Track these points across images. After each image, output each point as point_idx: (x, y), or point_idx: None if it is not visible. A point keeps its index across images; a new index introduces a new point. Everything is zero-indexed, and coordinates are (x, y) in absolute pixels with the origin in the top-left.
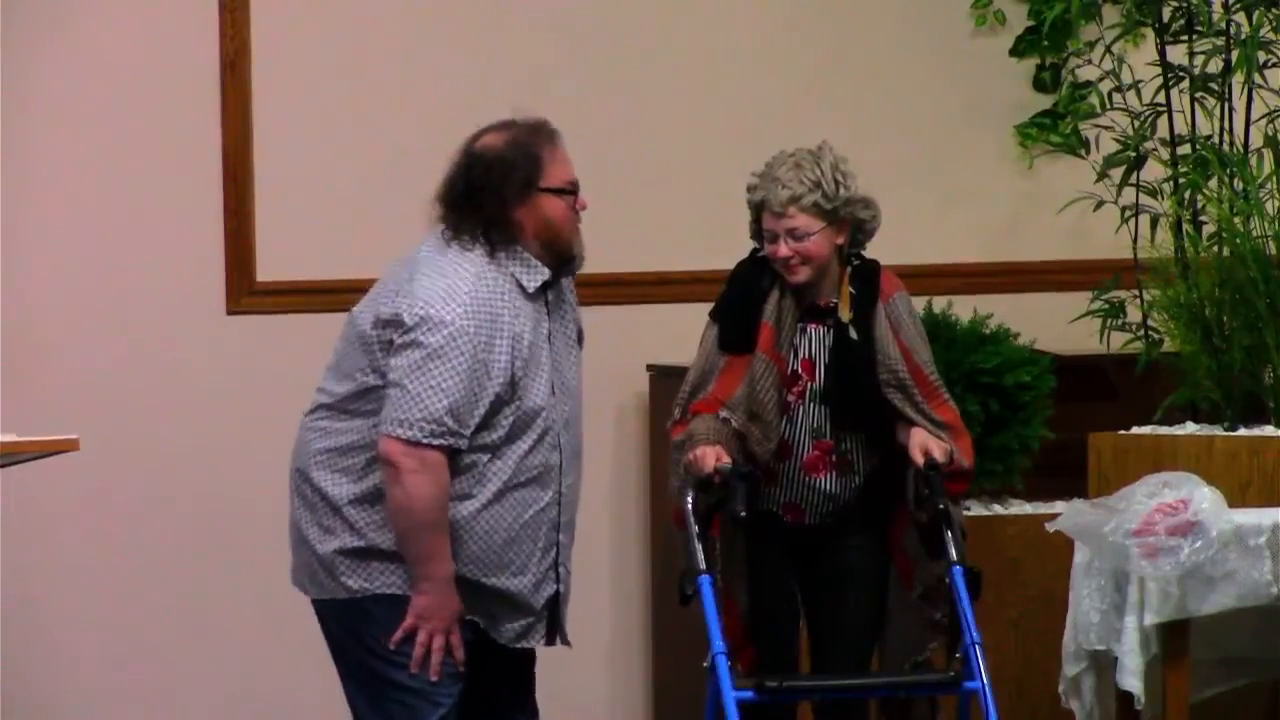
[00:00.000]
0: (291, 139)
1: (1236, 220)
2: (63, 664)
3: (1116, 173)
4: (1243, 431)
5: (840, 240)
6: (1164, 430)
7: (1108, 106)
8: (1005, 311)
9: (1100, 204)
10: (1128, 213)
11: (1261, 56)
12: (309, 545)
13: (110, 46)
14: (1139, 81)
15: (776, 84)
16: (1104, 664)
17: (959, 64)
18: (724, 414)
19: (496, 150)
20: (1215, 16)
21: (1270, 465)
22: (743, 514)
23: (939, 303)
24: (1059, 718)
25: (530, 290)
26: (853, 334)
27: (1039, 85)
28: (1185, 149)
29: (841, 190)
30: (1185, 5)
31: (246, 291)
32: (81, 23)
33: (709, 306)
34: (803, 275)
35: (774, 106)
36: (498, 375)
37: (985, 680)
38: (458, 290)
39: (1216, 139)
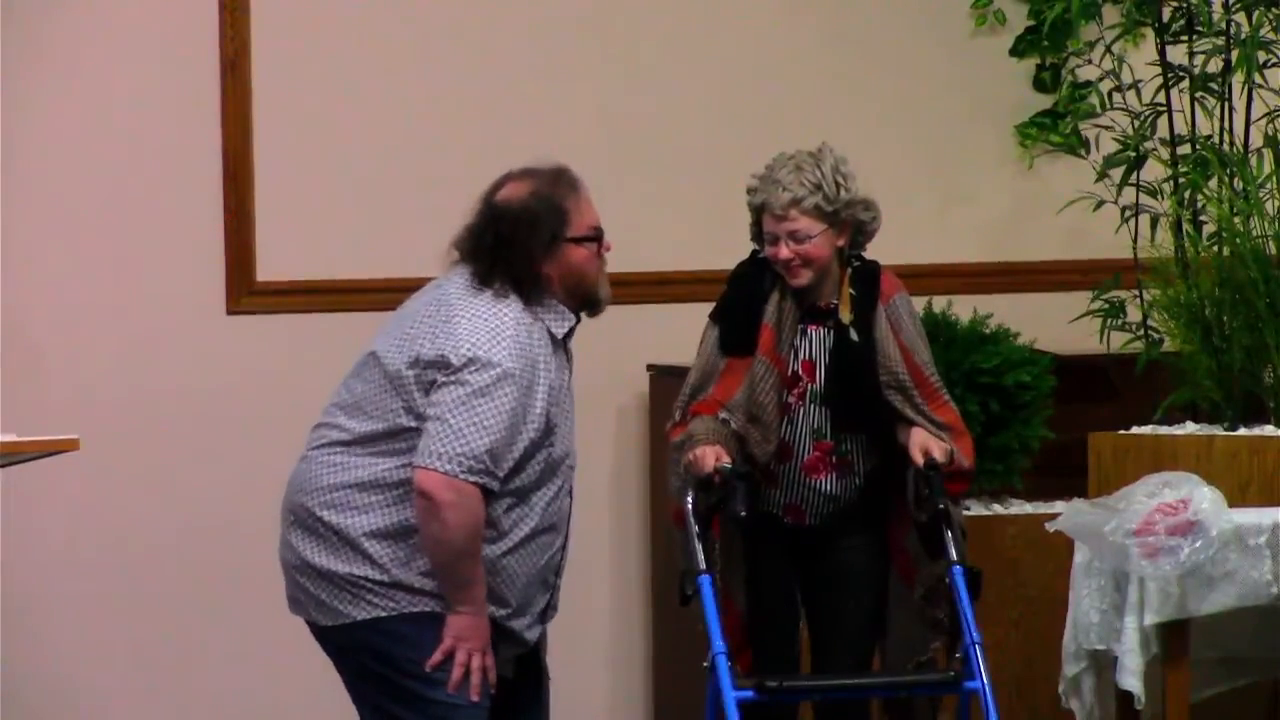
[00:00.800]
0: (291, 139)
1: (1236, 220)
2: (63, 664)
3: (1116, 173)
4: (1243, 431)
5: (841, 242)
6: (1164, 430)
7: (1108, 106)
8: (1005, 311)
9: (1100, 204)
10: (1128, 213)
11: (1261, 56)
12: (318, 572)
13: (110, 47)
14: (1139, 81)
15: (776, 84)
16: (1104, 664)
17: (959, 64)
18: (723, 415)
19: (521, 202)
20: (1215, 16)
21: (1270, 465)
22: (743, 514)
23: (939, 303)
24: (1059, 718)
25: (559, 336)
26: (853, 335)
27: (1039, 85)
28: (1185, 149)
29: (842, 192)
30: (1185, 5)
31: (246, 291)
32: (81, 23)
33: (709, 307)
34: (804, 278)
35: (774, 107)
36: (533, 421)
37: (985, 680)
38: (502, 333)
39: (1216, 139)
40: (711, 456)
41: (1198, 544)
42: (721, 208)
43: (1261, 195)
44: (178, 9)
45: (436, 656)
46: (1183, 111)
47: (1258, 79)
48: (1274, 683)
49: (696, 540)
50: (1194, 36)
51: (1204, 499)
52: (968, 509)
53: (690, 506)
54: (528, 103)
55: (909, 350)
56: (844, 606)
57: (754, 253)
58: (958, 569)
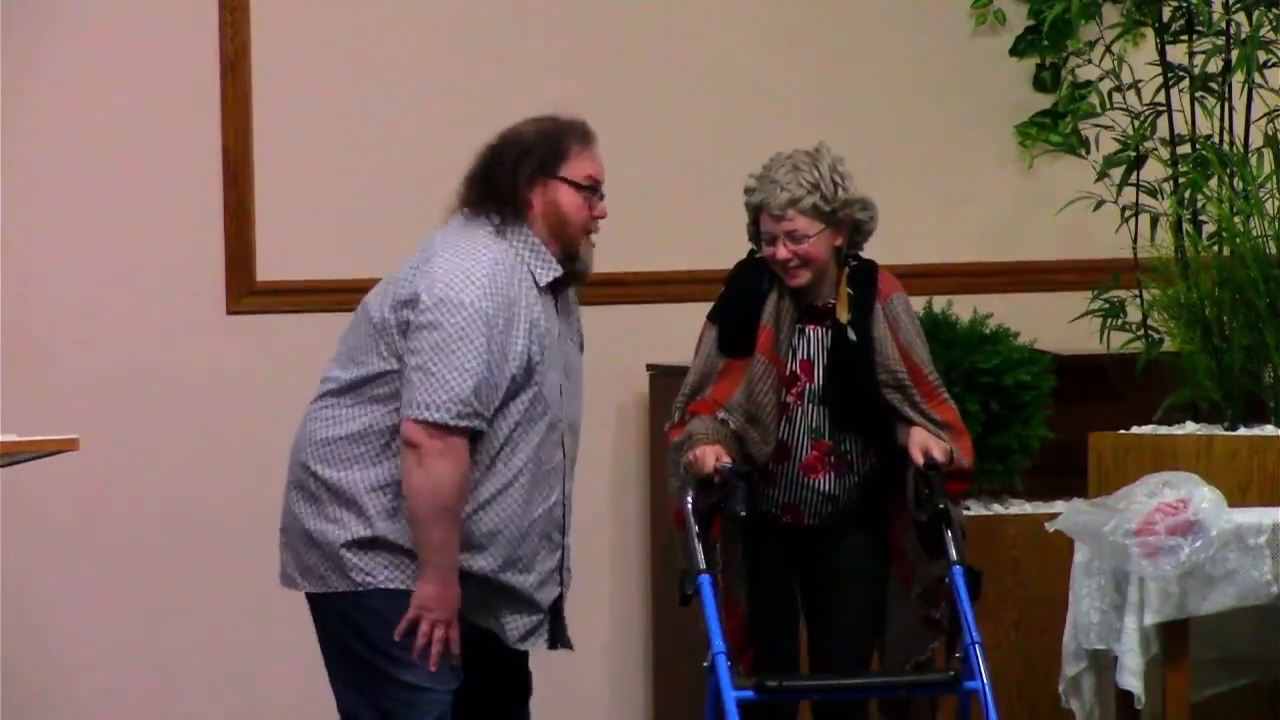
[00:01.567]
0: (291, 139)
1: (1236, 220)
2: (63, 664)
3: (1116, 172)
4: (1243, 431)
5: (838, 241)
6: (1164, 430)
7: (1108, 106)
8: (1005, 311)
9: (1100, 204)
10: (1128, 212)
11: (1261, 56)
12: (310, 539)
13: (110, 46)
14: (1139, 81)
15: (776, 84)
16: (1104, 664)
17: (959, 64)
18: (722, 415)
19: (523, 133)
20: (1215, 16)
21: (1270, 465)
22: (742, 514)
23: (939, 303)
24: (1059, 718)
25: (542, 284)
26: (851, 335)
27: (1039, 85)
28: (1185, 149)
29: (840, 192)
30: (1185, 5)
31: (246, 291)
32: (81, 23)
33: (708, 307)
34: (802, 278)
35: (774, 107)
36: (514, 359)
37: (985, 680)
38: (475, 272)
39: (1216, 139)
40: (711, 456)
41: (1198, 544)
42: (721, 208)
43: (1261, 195)
44: (178, 9)
45: (402, 626)
46: (1183, 111)
47: (1258, 79)
48: (1274, 683)
49: (696, 540)
50: (1194, 36)
51: (1204, 499)
52: (968, 509)
53: (690, 506)
54: (527, 102)
55: (907, 349)
56: (843, 606)
57: (752, 252)
58: (958, 569)
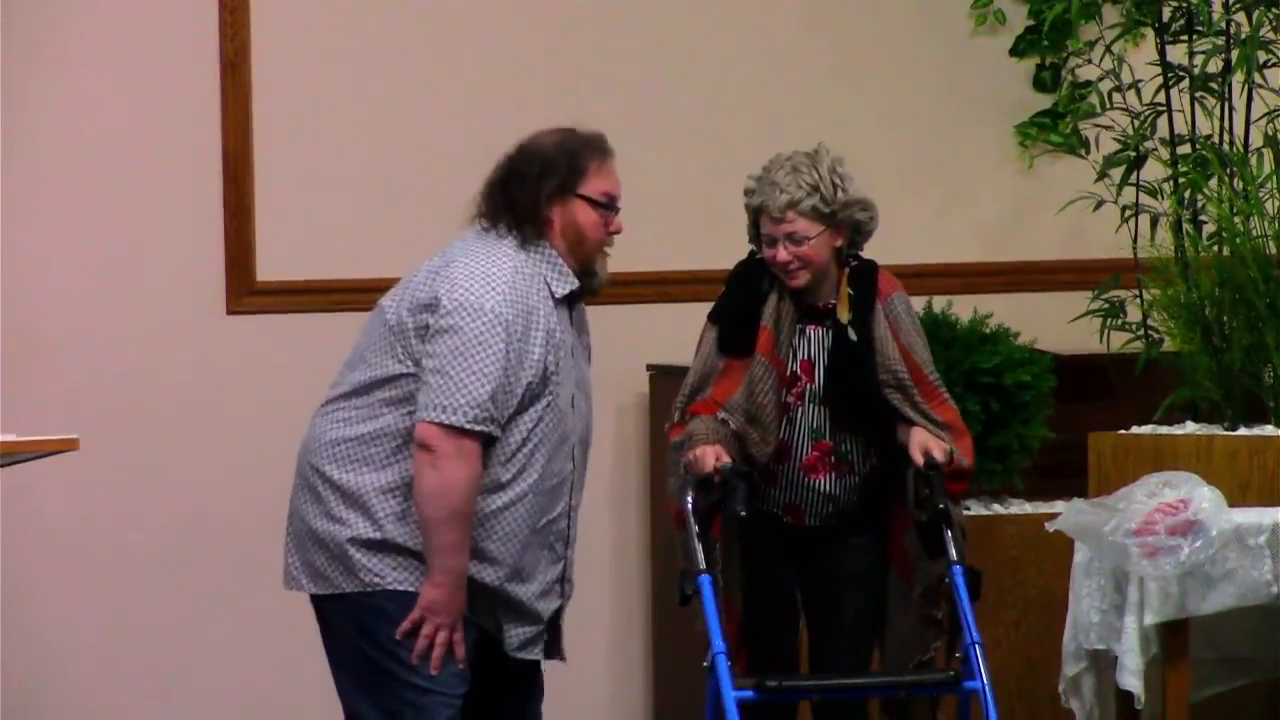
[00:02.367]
0: (291, 139)
1: (1236, 220)
2: (63, 664)
3: (1116, 172)
4: (1243, 431)
5: (838, 242)
6: (1164, 430)
7: (1108, 106)
8: (1005, 311)
9: (1100, 204)
10: (1128, 212)
11: (1261, 56)
12: (317, 539)
13: (110, 46)
14: (1139, 81)
15: (776, 84)
16: (1104, 664)
17: (959, 64)
18: (722, 415)
19: (543, 147)
20: (1215, 16)
21: (1270, 465)
22: (742, 514)
23: (939, 303)
24: (1059, 718)
25: (558, 296)
26: (852, 335)
27: (1039, 85)
28: (1185, 149)
29: (839, 193)
30: (1185, 5)
31: (246, 291)
32: (81, 23)
33: (709, 307)
34: (802, 279)
35: (774, 107)
36: (531, 367)
37: (985, 680)
38: (496, 278)
39: (1216, 139)
40: (711, 456)
41: (1198, 544)
42: (721, 208)
43: (1261, 195)
44: (178, 9)
45: (405, 625)
46: (1183, 111)
47: (1258, 79)
48: (1274, 683)
49: (696, 540)
50: (1194, 36)
51: (1204, 499)
52: (968, 509)
53: (690, 506)
54: (528, 103)
55: (908, 349)
56: (843, 606)
57: (752, 253)
58: (958, 569)
